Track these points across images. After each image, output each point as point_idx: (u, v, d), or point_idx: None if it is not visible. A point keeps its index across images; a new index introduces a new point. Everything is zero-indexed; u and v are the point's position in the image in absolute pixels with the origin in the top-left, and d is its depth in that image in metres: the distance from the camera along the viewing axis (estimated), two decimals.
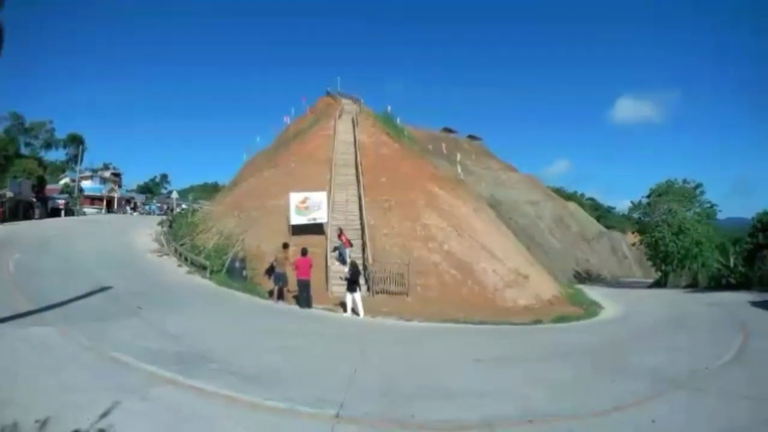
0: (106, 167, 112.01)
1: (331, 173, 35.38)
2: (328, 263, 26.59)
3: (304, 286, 22.53)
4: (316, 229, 29.59)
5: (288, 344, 15.02)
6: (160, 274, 27.20)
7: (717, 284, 45.50)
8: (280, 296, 23.22)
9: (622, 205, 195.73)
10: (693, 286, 49.21)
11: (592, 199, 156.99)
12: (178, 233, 37.67)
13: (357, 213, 31.34)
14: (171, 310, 18.21)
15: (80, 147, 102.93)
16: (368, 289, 25.36)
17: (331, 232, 28.76)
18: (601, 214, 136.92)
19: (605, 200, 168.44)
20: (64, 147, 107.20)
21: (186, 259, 30.30)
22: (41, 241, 34.85)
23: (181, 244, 33.24)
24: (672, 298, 40.55)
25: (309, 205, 29.51)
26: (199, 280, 26.65)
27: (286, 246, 24.72)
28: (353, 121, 46.82)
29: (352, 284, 21.99)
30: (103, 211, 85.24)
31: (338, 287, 24.64)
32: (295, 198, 29.61)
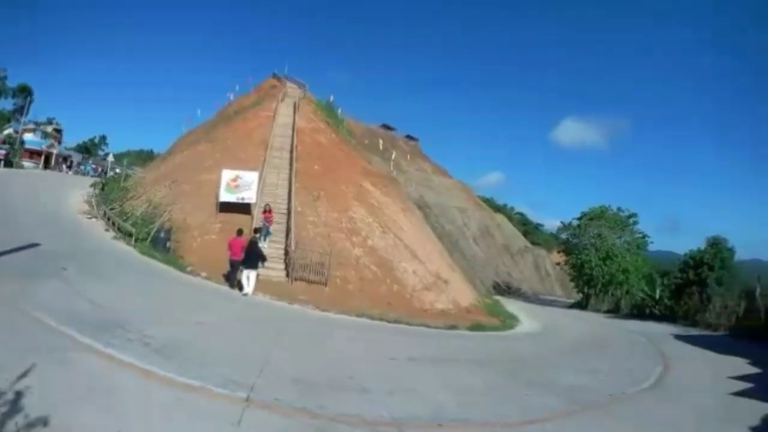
0: (49, 122, 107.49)
1: (266, 154, 35.43)
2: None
3: (236, 266, 22.77)
4: (244, 208, 29.71)
5: (205, 321, 15.42)
6: (87, 237, 27.33)
7: (639, 313, 46.92)
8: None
9: (551, 225, 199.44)
10: (614, 311, 50.50)
11: (521, 213, 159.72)
12: (109, 197, 37.32)
13: (285, 197, 31.46)
14: (94, 275, 18.42)
15: (28, 98, 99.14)
16: (287, 275, 25.73)
17: (257, 212, 28.93)
18: (529, 229, 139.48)
19: (535, 217, 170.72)
20: (13, 97, 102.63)
21: (114, 224, 30.13)
22: None
23: (111, 209, 32.98)
24: (592, 320, 42.07)
25: (240, 183, 29.52)
26: (123, 246, 26.65)
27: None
28: (295, 106, 46.65)
29: (250, 261, 22.18)
30: (41, 166, 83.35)
31: (271, 270, 25.38)
32: (227, 175, 29.61)
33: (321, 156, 37.85)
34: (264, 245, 26.02)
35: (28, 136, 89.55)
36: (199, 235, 28.03)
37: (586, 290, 58.34)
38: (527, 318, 36.12)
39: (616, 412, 12.82)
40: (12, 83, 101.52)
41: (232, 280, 22.86)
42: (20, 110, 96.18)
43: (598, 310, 52.85)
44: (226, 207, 29.51)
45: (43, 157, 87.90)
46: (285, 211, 30.06)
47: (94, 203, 37.08)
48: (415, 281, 29.86)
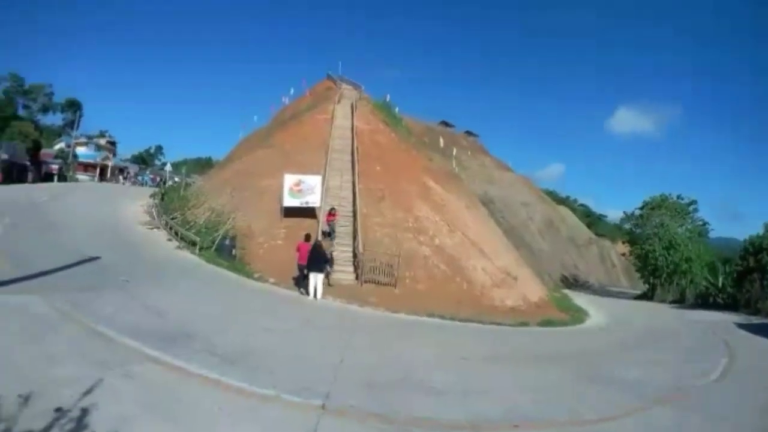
0: (102, 135, 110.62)
1: (327, 158, 34.86)
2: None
3: (305, 270, 22.27)
4: (308, 212, 29.22)
5: (274, 327, 14.96)
6: (149, 248, 26.99)
7: (704, 302, 45.71)
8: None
9: (614, 215, 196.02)
10: (680, 301, 49.35)
11: (584, 205, 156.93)
12: (169, 207, 37.27)
13: (350, 200, 30.92)
14: (158, 285, 18.08)
15: (77, 113, 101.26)
16: (356, 278, 25.14)
17: (322, 215, 28.43)
18: (592, 221, 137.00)
19: (597, 208, 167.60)
20: (62, 112, 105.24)
21: (176, 234, 30.01)
22: (31, 205, 34.84)
23: (172, 218, 32.87)
24: (658, 312, 40.78)
25: (303, 188, 29.06)
26: (188, 255, 26.42)
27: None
28: (352, 107, 45.98)
29: (316, 263, 21.57)
30: (96, 178, 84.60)
31: (340, 273, 25.10)
32: (289, 180, 29.13)
33: (381, 156, 37.13)
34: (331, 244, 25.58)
35: (81, 150, 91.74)
36: (264, 241, 27.62)
37: (651, 280, 56.87)
38: (595, 311, 34.95)
39: (686, 405, 12.45)
40: (60, 98, 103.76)
41: (301, 285, 22.33)
42: (70, 124, 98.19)
43: (663, 301, 51.79)
44: (291, 212, 29.03)
45: (98, 170, 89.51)
46: (350, 214, 29.48)
47: (154, 213, 37.08)
48: (484, 279, 28.97)
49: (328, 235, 25.95)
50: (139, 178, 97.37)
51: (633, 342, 23.60)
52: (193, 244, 27.37)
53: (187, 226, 30.35)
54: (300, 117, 45.88)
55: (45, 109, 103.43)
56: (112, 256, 21.98)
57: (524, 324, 24.59)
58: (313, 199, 29.16)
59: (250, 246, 27.25)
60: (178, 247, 27.89)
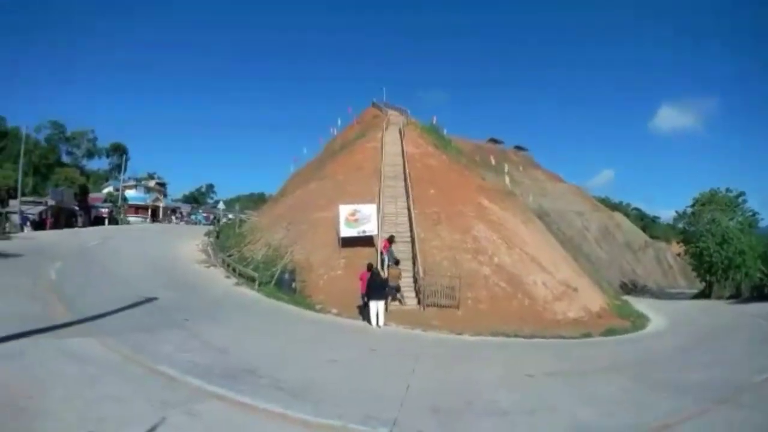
0: (150, 177, 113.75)
1: (380, 185, 34.96)
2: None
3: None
4: (366, 241, 29.10)
5: (338, 358, 14.68)
6: (207, 286, 27.16)
7: (759, 294, 44.49)
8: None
9: (667, 215, 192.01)
10: (736, 296, 48.33)
11: (637, 209, 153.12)
12: (225, 244, 37.66)
13: (407, 225, 30.77)
14: (218, 323, 18.08)
15: (123, 156, 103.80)
16: (419, 302, 24.88)
17: (380, 243, 28.16)
18: (646, 224, 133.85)
19: (650, 210, 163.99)
20: (107, 156, 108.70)
21: (234, 270, 30.25)
22: (83, 249, 35.44)
23: (229, 255, 33.19)
24: (716, 309, 40.04)
25: (359, 217, 29.00)
26: (247, 291, 26.51)
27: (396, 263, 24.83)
28: (400, 132, 46.37)
29: (375, 291, 21.20)
30: (148, 220, 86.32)
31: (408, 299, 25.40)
32: (344, 210, 29.11)
33: (434, 179, 37.01)
34: (383, 273, 25.40)
35: (130, 193, 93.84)
36: (324, 272, 27.54)
37: (707, 278, 55.63)
38: (655, 315, 34.19)
39: (745, 403, 12.32)
40: (104, 142, 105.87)
41: (366, 314, 22.07)
42: (117, 168, 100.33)
43: (720, 297, 50.63)
44: (348, 242, 28.95)
45: (149, 211, 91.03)
46: (408, 239, 29.27)
47: (210, 251, 37.46)
48: (545, 293, 28.42)
49: (397, 263, 25.84)
50: (192, 217, 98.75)
51: (693, 343, 23.23)
52: (252, 280, 27.47)
53: (245, 263, 30.55)
54: (350, 147, 46.37)
55: (90, 155, 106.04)
56: (170, 295, 22.17)
57: (587, 335, 24.10)
58: (370, 228, 29.03)
59: (309, 278, 27.18)
60: (237, 284, 28.03)
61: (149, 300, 20.11)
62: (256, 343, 15.72)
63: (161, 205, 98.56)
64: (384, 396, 10.95)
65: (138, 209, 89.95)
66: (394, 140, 44.65)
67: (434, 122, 57.76)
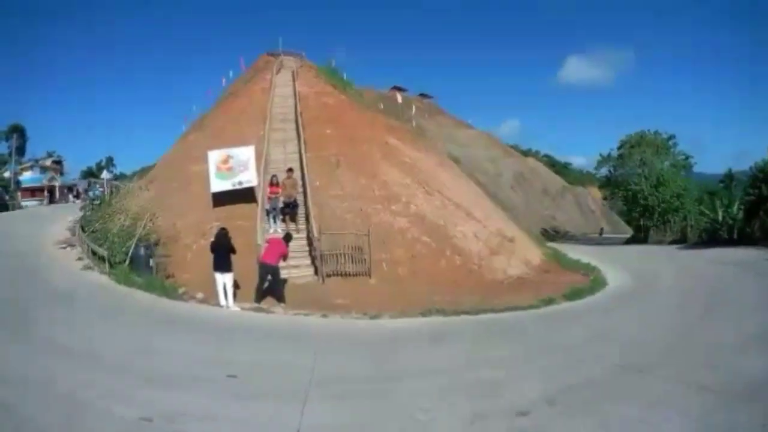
0: (49, 155, 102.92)
1: (266, 127, 27.59)
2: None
3: (267, 272, 16.25)
4: (245, 196, 22.15)
5: (160, 410, 7.65)
6: (48, 272, 19.50)
7: (710, 239, 39.68)
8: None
9: (578, 162, 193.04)
10: (681, 241, 43.66)
11: (547, 155, 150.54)
12: (93, 218, 30.12)
13: (298, 173, 23.65)
14: (16, 334, 11.42)
15: (22, 137, 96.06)
16: (315, 272, 18.44)
17: (262, 194, 21.63)
18: (558, 170, 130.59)
19: (559, 157, 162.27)
20: (6, 140, 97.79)
21: (90, 250, 22.56)
22: None
23: (93, 231, 25.60)
24: (670, 256, 34.40)
25: (233, 165, 21.91)
26: (94, 276, 19.05)
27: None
28: (293, 74, 38.69)
29: (220, 260, 15.65)
30: (45, 202, 76.36)
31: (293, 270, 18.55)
32: (214, 157, 22.03)
33: (332, 119, 29.93)
34: (276, 230, 19.48)
35: (26, 175, 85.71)
36: (193, 242, 20.63)
37: (642, 222, 51.77)
38: (605, 266, 27.05)
39: None
40: (2, 125, 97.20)
41: (259, 293, 16.19)
42: (18, 151, 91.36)
43: (661, 242, 45.61)
44: (223, 198, 22.01)
45: (46, 193, 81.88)
46: (300, 190, 22.41)
47: (77, 229, 29.91)
48: (478, 247, 22.77)
49: (289, 206, 20.12)
50: (90, 194, 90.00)
51: (699, 307, 16.50)
52: (104, 259, 20.08)
53: (105, 238, 22.99)
54: (235, 92, 38.72)
55: None
56: None
57: (551, 301, 17.79)
58: (248, 178, 22.03)
59: (175, 251, 20.42)
60: (86, 267, 20.45)
61: None
62: (70, 368, 9.18)
63: (57, 184, 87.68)
64: None
65: (35, 191, 79.91)
66: (285, 82, 36.80)
67: (332, 65, 50.84)
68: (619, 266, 27.76)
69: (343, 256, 18.86)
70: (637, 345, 12.27)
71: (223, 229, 16.53)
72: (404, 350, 11.91)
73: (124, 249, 19.96)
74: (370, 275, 18.72)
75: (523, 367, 10.68)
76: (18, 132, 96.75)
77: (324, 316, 14.80)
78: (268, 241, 16.84)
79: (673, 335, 13.02)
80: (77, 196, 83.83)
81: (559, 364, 10.76)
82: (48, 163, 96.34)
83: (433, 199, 24.69)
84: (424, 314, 15.33)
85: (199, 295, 16.53)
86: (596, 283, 22.20)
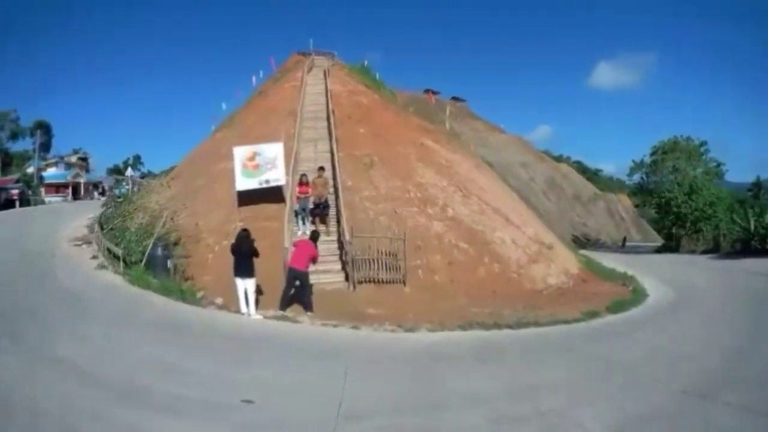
0: (75, 152, 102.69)
1: (296, 126, 26.13)
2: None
3: (294, 278, 14.78)
4: (273, 195, 20.59)
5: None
6: (60, 271, 18.02)
7: (744, 249, 37.61)
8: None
9: (608, 169, 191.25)
10: (714, 251, 41.48)
11: (578, 161, 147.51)
12: (113, 215, 28.74)
13: (329, 173, 22.06)
14: (16, 342, 10.05)
15: (48, 134, 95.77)
16: (346, 278, 16.87)
17: (292, 192, 20.18)
18: (589, 176, 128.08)
19: (590, 164, 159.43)
20: (31, 135, 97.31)
21: (107, 249, 21.02)
22: None
23: (111, 229, 24.16)
24: (704, 266, 32.63)
25: (259, 162, 20.30)
26: (108, 276, 17.53)
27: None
28: (325, 73, 37.16)
29: (241, 262, 14.15)
30: (69, 198, 76.15)
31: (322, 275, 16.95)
32: (240, 153, 20.48)
33: (365, 118, 28.44)
34: (305, 232, 17.90)
35: (50, 171, 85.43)
36: (215, 242, 19.20)
37: (674, 231, 49.68)
38: (640, 276, 25.33)
39: None
40: (28, 121, 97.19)
41: (285, 300, 14.70)
42: (42, 147, 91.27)
43: (693, 251, 43.59)
44: (249, 198, 20.49)
45: (70, 189, 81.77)
46: (331, 190, 20.89)
47: (95, 226, 28.59)
48: (518, 254, 21.23)
49: (319, 207, 19.10)
50: (116, 191, 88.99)
51: (748, 324, 15.21)
52: (119, 259, 18.47)
53: (123, 236, 21.51)
54: (265, 91, 37.31)
55: (14, 136, 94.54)
56: None
57: (594, 315, 16.24)
58: (275, 176, 20.42)
59: (196, 252, 19.02)
60: (100, 266, 18.88)
61: None
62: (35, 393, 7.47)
63: (82, 180, 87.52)
64: None
65: (59, 188, 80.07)
66: (317, 81, 35.33)
67: (365, 64, 49.24)
68: (655, 276, 26.11)
69: (376, 261, 17.34)
70: (694, 366, 10.95)
71: (244, 230, 15.03)
72: (446, 371, 10.33)
73: (140, 248, 18.57)
74: (404, 283, 17.20)
75: (583, 392, 9.29)
76: (43, 128, 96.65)
77: (355, 327, 13.27)
78: (296, 244, 15.33)
79: (728, 355, 11.81)
80: (102, 193, 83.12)
81: (619, 388, 9.51)
82: (73, 159, 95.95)
83: (470, 202, 23.09)
84: (463, 327, 13.78)
85: (219, 300, 15.08)
86: (637, 294, 20.71)
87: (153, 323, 12.64)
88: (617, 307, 17.48)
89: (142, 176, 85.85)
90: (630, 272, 26.00)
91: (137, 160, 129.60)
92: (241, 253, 14.09)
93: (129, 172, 59.70)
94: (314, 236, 15.47)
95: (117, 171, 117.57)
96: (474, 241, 20.34)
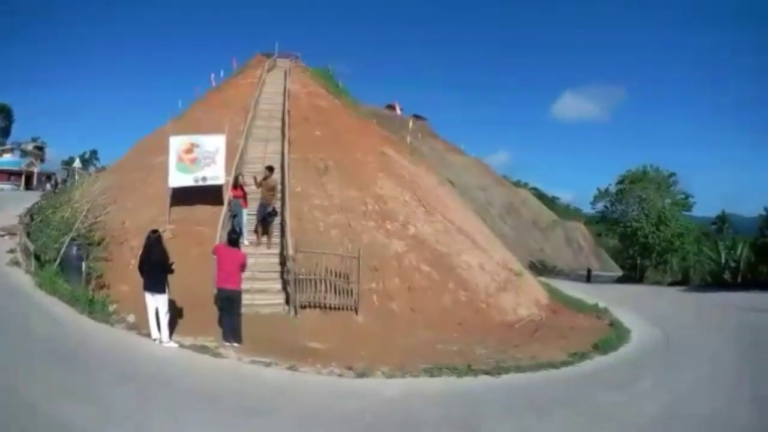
0: (33, 141, 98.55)
1: (246, 124, 23.29)
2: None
3: (227, 300, 11.81)
4: (211, 195, 17.58)
5: None
6: None
7: (715, 282, 36.74)
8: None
9: (565, 197, 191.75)
10: (680, 283, 40.14)
11: (535, 188, 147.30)
12: (47, 206, 25.83)
13: (277, 175, 18.81)
14: None
15: (8, 119, 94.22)
16: (287, 301, 14.03)
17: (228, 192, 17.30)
18: (547, 203, 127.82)
19: (548, 191, 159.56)
20: None
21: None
22: None
23: (40, 220, 21.20)
24: (677, 298, 31.26)
25: (197, 155, 17.36)
26: (16, 275, 14.87)
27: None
28: (285, 73, 34.40)
29: (151, 275, 11.17)
30: (21, 187, 72.89)
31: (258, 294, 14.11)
32: (176, 144, 17.56)
33: (323, 121, 25.75)
34: (243, 242, 15.12)
35: (6, 157, 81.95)
36: (139, 245, 15.97)
37: (639, 261, 48.82)
38: (612, 309, 22.68)
39: None
40: None
41: (226, 327, 11.76)
42: (1, 132, 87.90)
43: (659, 283, 42.19)
44: (184, 196, 17.60)
45: (23, 178, 78.62)
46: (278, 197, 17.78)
47: (25, 219, 25.63)
48: (486, 281, 18.79)
49: (271, 214, 16.24)
50: (67, 184, 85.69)
51: (757, 371, 12.94)
52: (36, 256, 15.63)
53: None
54: (220, 87, 34.46)
55: None
56: None
57: (582, 356, 13.56)
58: (214, 173, 17.49)
59: (119, 255, 15.99)
60: (12, 262, 16.22)
61: None
62: None
63: (36, 170, 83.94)
64: None
65: (11, 175, 77.36)
66: (276, 80, 32.47)
67: (329, 69, 46.63)
68: (629, 309, 23.84)
69: (323, 282, 14.46)
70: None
71: (154, 231, 11.97)
72: None
73: (56, 246, 15.70)
74: (356, 310, 14.45)
75: None
76: (4, 113, 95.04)
77: (292, 368, 10.30)
78: (217, 252, 12.18)
79: (747, 413, 9.73)
80: (56, 186, 79.93)
81: None
82: (30, 147, 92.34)
83: (434, 220, 20.59)
84: (430, 372, 10.91)
85: (131, 318, 12.13)
86: (618, 330, 18.23)
87: (39, 343, 9.76)
88: (605, 345, 15.00)
89: (98, 171, 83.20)
90: (601, 304, 23.61)
91: (93, 155, 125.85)
92: (150, 262, 11.18)
93: (76, 164, 56.92)
94: (232, 239, 12.34)
95: (71, 164, 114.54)
96: (438, 264, 17.81)
